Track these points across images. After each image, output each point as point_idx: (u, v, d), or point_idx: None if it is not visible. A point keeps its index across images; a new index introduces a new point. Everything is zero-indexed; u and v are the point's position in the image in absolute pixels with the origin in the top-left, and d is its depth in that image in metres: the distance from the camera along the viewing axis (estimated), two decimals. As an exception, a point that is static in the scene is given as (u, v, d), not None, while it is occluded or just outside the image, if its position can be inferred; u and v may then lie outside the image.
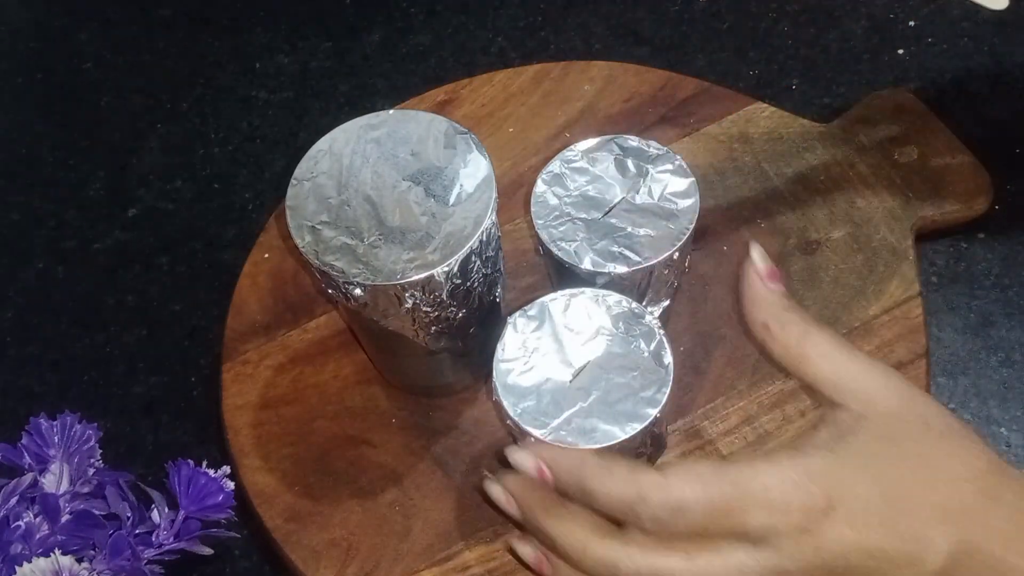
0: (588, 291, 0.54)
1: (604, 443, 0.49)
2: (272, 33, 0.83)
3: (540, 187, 0.58)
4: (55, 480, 0.56)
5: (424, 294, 0.51)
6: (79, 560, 0.53)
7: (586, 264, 0.55)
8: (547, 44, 0.79)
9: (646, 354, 0.52)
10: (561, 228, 0.56)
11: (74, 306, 0.71)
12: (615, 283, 0.55)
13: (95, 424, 0.59)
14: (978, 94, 0.73)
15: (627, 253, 0.55)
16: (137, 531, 0.56)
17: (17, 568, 0.52)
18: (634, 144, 0.58)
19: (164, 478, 0.58)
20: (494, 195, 0.52)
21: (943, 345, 0.64)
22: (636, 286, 0.56)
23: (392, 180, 0.53)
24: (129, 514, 0.56)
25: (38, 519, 0.55)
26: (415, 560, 0.57)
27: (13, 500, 0.55)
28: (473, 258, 0.52)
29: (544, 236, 0.56)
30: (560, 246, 0.56)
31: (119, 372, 0.68)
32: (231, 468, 0.59)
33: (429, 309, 0.52)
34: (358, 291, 0.51)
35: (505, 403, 0.51)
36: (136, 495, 0.58)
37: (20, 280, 0.73)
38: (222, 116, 0.79)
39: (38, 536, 0.54)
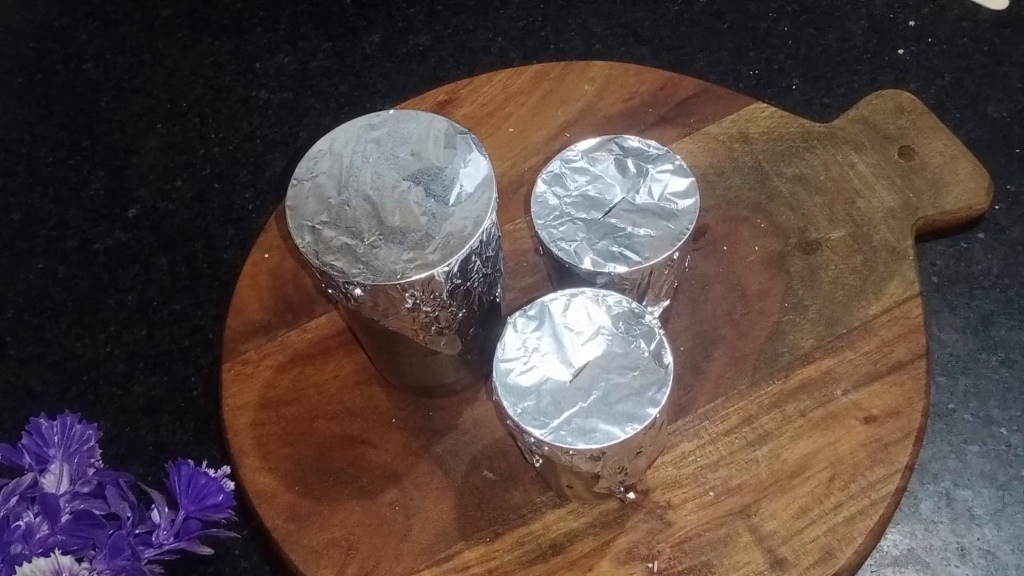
0: (588, 291, 0.54)
1: (604, 443, 0.49)
2: (272, 33, 0.83)
3: (540, 187, 0.58)
4: (55, 480, 0.56)
5: (424, 294, 0.51)
6: (79, 560, 0.53)
7: (586, 264, 0.55)
8: (547, 44, 0.79)
9: (646, 354, 0.52)
10: (561, 228, 0.56)
11: (74, 306, 0.71)
12: (615, 283, 0.55)
13: (95, 424, 0.59)
14: (978, 94, 0.73)
15: (627, 253, 0.55)
16: (137, 531, 0.56)
17: (17, 568, 0.52)
18: (634, 144, 0.59)
19: (164, 478, 0.58)
20: (494, 195, 0.52)
21: (943, 345, 0.64)
22: (636, 286, 0.56)
23: (392, 180, 0.53)
24: (129, 514, 0.56)
25: (38, 519, 0.55)
26: (415, 560, 0.57)
27: (13, 500, 0.55)
28: (473, 258, 0.52)
29: (544, 236, 0.56)
30: (560, 246, 0.56)
31: (119, 372, 0.68)
32: (231, 468, 0.59)
33: (429, 309, 0.52)
34: (358, 291, 0.51)
35: (505, 403, 0.51)
36: (136, 495, 0.58)
37: (20, 280, 0.73)
38: (222, 116, 0.79)
39: (38, 536, 0.54)
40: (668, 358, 0.51)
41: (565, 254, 0.56)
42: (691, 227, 0.56)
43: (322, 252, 0.51)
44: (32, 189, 0.77)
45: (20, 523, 0.54)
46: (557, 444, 0.50)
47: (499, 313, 0.59)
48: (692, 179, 0.57)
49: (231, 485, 0.58)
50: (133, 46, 0.84)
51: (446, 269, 0.51)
